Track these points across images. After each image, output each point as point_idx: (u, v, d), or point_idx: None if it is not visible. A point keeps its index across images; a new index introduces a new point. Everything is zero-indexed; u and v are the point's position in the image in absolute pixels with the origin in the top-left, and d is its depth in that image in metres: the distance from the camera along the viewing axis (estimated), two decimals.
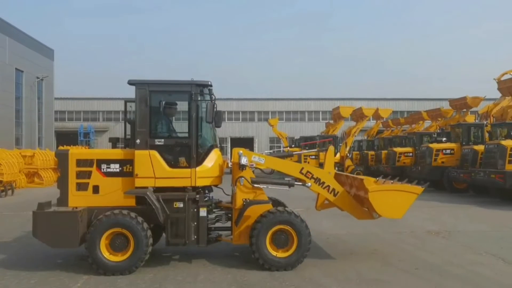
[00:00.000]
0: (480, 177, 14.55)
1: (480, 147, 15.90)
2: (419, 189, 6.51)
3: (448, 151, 18.15)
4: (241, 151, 6.55)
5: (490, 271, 6.29)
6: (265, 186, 6.65)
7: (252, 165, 6.66)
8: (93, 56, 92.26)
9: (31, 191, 18.49)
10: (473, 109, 24.74)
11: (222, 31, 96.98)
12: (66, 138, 43.83)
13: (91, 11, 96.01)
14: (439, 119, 27.41)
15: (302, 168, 6.76)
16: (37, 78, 36.50)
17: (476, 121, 23.24)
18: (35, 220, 6.15)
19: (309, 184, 6.70)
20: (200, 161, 6.50)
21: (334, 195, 6.76)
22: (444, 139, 19.52)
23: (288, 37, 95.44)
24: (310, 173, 6.73)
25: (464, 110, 24.20)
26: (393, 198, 6.42)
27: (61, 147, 27.38)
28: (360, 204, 6.99)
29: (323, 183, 6.74)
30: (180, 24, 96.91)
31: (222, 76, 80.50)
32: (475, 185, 15.84)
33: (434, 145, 18.63)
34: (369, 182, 6.60)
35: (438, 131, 24.41)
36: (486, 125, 18.46)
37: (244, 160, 6.46)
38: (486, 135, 17.76)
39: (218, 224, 7.06)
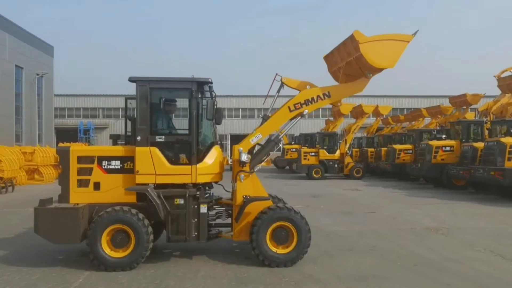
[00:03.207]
0: (480, 174, 14.58)
1: (479, 144, 15.92)
2: (409, 36, 6.48)
3: (447, 148, 18.17)
4: (241, 148, 6.57)
5: (488, 268, 6.33)
6: (263, 163, 6.70)
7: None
8: (93, 53, 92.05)
9: (31, 188, 18.52)
10: (473, 106, 24.77)
11: (219, 23, 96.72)
12: (66, 134, 43.84)
13: (91, 7, 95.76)
14: (439, 116, 27.42)
15: (289, 107, 6.71)
16: (37, 74, 36.39)
17: (476, 118, 23.29)
18: (36, 217, 6.19)
19: (306, 111, 6.71)
20: (200, 158, 6.53)
21: (329, 96, 6.75)
22: (444, 136, 19.53)
23: (288, 32, 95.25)
24: (298, 103, 6.71)
25: (464, 107, 24.24)
26: (384, 48, 6.43)
27: (61, 144, 27.37)
28: (353, 76, 6.96)
29: (312, 99, 6.73)
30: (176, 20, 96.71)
31: (222, 72, 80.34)
32: (474, 182, 15.85)
33: (434, 142, 18.65)
34: (359, 34, 6.48)
35: (438, 128, 24.43)
36: (486, 122, 18.48)
37: (244, 157, 6.48)
38: (486, 132, 17.78)
39: (218, 221, 7.09)
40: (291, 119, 6.82)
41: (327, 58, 7.56)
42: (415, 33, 6.52)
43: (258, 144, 6.80)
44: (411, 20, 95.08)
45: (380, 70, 6.67)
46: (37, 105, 36.85)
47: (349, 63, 6.83)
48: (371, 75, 6.76)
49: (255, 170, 6.69)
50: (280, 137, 6.86)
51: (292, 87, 7.01)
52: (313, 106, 6.74)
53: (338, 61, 7.17)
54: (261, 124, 6.82)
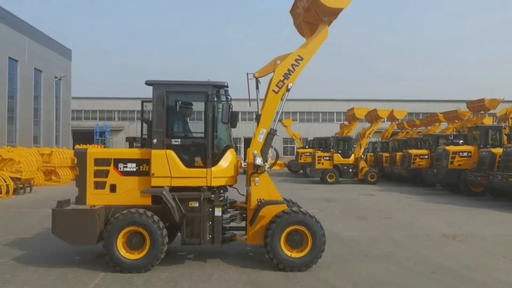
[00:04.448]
0: (498, 180, 14.30)
1: (498, 150, 15.64)
2: None
3: (465, 154, 17.86)
4: (255, 151, 6.56)
5: (507, 276, 6.19)
6: (270, 154, 6.69)
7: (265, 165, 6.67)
8: (109, 55, 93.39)
9: (48, 189, 18.81)
10: (491, 111, 24.32)
11: (225, 27, 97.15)
12: (82, 136, 44.51)
13: (105, 11, 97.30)
14: (456, 121, 27.01)
15: (273, 91, 6.62)
16: (55, 77, 37.11)
17: (494, 123, 22.88)
18: (54, 218, 6.28)
19: (290, 84, 6.61)
20: (215, 161, 6.56)
21: (302, 59, 6.62)
22: (461, 141, 19.22)
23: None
24: (278, 82, 6.60)
25: (482, 112, 23.82)
26: None
27: (77, 146, 27.81)
28: (314, 24, 6.86)
29: (289, 70, 6.62)
30: (192, 23, 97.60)
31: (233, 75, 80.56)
32: (492, 188, 15.57)
33: (451, 148, 18.37)
34: None
35: (455, 133, 24.06)
36: (505, 128, 18.15)
37: (259, 161, 6.47)
38: (505, 138, 17.46)
39: (232, 224, 7.10)
40: (281, 100, 6.71)
41: (292, 11, 7.41)
42: None
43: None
44: (420, 22, 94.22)
45: (335, 12, 6.49)
46: (55, 107, 37.57)
47: (308, 9, 6.69)
48: (326, 18, 6.61)
49: (266, 169, 6.64)
50: (274, 126, 6.74)
51: (267, 73, 6.92)
52: (294, 76, 6.63)
53: (301, 11, 7.00)
54: (258, 122, 6.77)
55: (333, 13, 6.56)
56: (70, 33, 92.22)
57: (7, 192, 15.71)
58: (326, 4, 6.29)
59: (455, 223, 10.73)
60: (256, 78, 6.94)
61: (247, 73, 6.96)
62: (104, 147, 34.43)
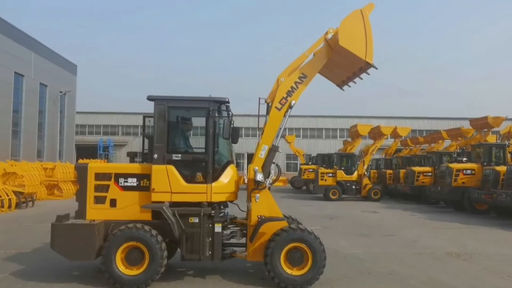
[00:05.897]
0: (502, 198, 14.18)
1: (502, 168, 15.54)
2: (370, 58, 6.36)
3: (468, 172, 17.76)
4: (256, 167, 6.54)
5: None
6: (272, 168, 6.65)
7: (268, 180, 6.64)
8: (114, 69, 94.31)
9: (50, 203, 18.77)
10: (495, 129, 24.25)
11: (231, 42, 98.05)
12: (86, 151, 44.62)
13: (110, 26, 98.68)
14: (459, 138, 26.93)
15: (276, 108, 6.63)
16: (60, 92, 37.46)
17: (498, 141, 22.77)
18: (53, 232, 6.25)
19: (293, 101, 6.63)
20: (216, 177, 6.53)
21: (305, 77, 6.67)
22: (465, 159, 19.15)
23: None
24: (282, 99, 6.62)
25: (485, 130, 23.75)
26: (358, 35, 6.37)
27: (81, 160, 27.87)
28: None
29: (292, 87, 6.64)
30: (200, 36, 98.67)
31: (236, 91, 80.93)
32: (497, 206, 15.43)
33: (454, 165, 18.28)
34: (370, 7, 6.57)
35: (458, 150, 23.96)
36: (508, 146, 18.06)
37: (259, 177, 6.44)
38: (508, 155, 17.37)
39: (232, 240, 7.03)
40: (284, 116, 6.71)
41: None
42: (373, 65, 6.47)
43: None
44: (428, 38, 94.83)
45: (336, 37, 6.50)
46: (59, 122, 37.82)
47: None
48: (330, 37, 6.64)
49: (267, 185, 6.62)
50: (276, 143, 6.74)
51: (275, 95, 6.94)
52: (297, 94, 6.66)
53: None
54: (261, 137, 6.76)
55: (335, 37, 6.57)
56: (76, 47, 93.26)
57: (10, 206, 15.70)
58: (340, 28, 6.42)
59: (459, 241, 10.59)
60: (268, 104, 6.96)
61: (259, 98, 7.05)
62: (108, 162, 34.50)
